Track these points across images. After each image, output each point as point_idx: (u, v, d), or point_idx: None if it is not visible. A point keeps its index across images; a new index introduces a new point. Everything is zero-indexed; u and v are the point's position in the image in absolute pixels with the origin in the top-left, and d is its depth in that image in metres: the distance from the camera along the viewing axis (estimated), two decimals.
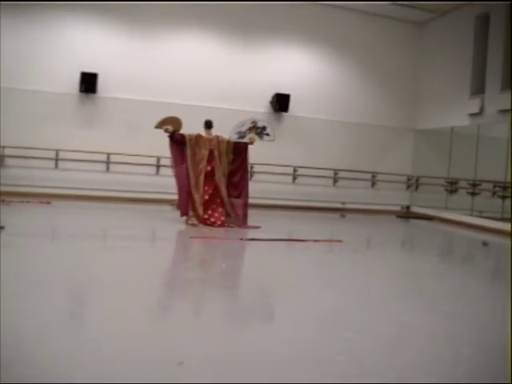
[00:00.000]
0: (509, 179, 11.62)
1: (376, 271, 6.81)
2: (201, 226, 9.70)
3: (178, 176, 10.11)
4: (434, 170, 14.56)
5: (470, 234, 11.99)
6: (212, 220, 9.91)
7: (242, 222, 10.13)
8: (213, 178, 10.09)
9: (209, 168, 10.08)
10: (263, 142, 10.64)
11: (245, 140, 10.37)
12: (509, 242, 9.85)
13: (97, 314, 4.10)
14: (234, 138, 10.32)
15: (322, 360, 3.41)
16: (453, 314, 4.81)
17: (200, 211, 9.89)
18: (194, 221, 9.83)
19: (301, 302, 4.86)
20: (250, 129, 10.43)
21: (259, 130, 10.54)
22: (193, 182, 10.01)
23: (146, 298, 4.68)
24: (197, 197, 9.95)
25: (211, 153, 10.11)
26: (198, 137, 10.13)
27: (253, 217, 12.06)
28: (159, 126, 10.14)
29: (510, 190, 11.69)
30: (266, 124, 10.69)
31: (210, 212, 10.00)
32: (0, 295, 4.19)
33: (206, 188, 10.04)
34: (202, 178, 10.01)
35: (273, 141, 10.72)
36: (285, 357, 3.42)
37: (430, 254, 9.09)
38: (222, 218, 9.97)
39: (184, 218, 9.97)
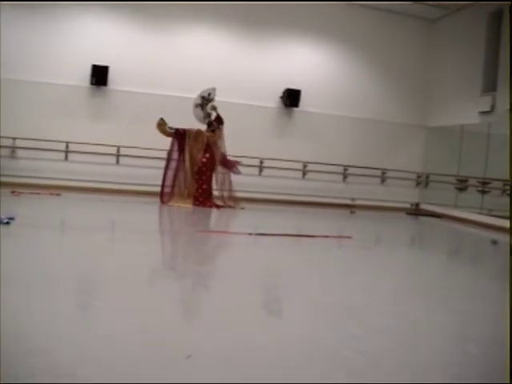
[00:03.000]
0: None
1: (385, 268, 6.80)
2: (188, 207, 11.31)
3: (169, 167, 11.73)
4: (444, 168, 14.50)
5: (480, 232, 11.94)
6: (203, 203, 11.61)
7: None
8: (208, 167, 11.79)
9: (204, 160, 11.74)
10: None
11: (211, 114, 12.08)
12: None
13: (103, 308, 4.11)
14: (205, 123, 12.10)
15: (330, 356, 3.40)
16: (461, 313, 4.80)
17: (190, 200, 11.63)
18: (178, 203, 11.43)
19: (309, 298, 4.86)
20: (202, 105, 12.16)
21: (206, 98, 12.17)
22: (188, 173, 11.69)
23: (154, 291, 4.69)
24: (189, 187, 11.67)
25: (208, 145, 11.79)
26: (198, 132, 11.85)
27: (261, 212, 12.10)
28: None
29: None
30: (203, 93, 12.19)
31: (201, 199, 11.64)
32: (8, 286, 4.22)
33: (204, 178, 11.76)
34: (196, 168, 11.70)
35: (214, 89, 12.20)
36: (292, 352, 3.42)
37: (439, 251, 9.07)
38: (216, 202, 11.79)
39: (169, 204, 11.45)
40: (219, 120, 12.02)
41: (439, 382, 3.15)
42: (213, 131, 11.97)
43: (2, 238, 6.12)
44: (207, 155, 11.79)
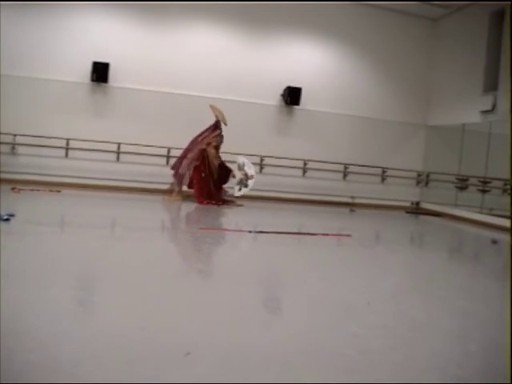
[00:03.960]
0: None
1: (385, 266, 6.80)
2: (176, 200, 11.75)
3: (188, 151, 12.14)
4: (445, 167, 14.50)
5: (480, 231, 11.94)
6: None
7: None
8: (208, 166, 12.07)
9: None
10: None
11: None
12: None
13: (103, 305, 4.11)
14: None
15: (329, 353, 3.40)
16: (461, 311, 4.80)
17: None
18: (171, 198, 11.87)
19: (308, 296, 4.86)
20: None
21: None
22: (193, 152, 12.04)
23: (154, 288, 4.69)
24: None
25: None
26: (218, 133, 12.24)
27: (261, 209, 12.10)
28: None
29: None
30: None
31: (208, 197, 11.90)
32: (8, 282, 4.22)
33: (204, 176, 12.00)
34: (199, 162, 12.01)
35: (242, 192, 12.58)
36: (291, 350, 3.42)
37: (439, 250, 9.06)
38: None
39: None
40: (227, 171, 12.38)
41: (439, 381, 3.15)
42: (216, 147, 12.20)
43: (1, 234, 6.12)
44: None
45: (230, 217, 10.73)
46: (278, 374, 3.02)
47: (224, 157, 12.47)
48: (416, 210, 14.95)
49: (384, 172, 14.96)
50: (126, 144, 12.76)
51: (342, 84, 14.69)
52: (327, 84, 14.51)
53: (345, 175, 14.69)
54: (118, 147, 12.86)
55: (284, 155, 13.79)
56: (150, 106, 12.98)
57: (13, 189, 10.74)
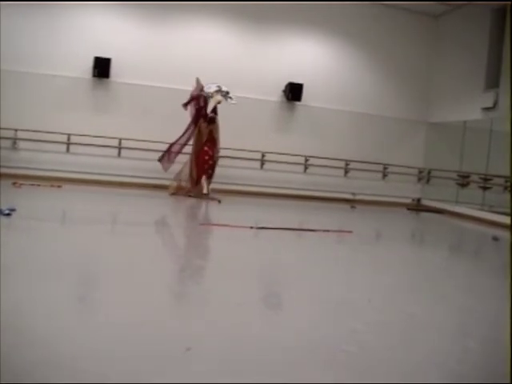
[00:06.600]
0: None
1: (385, 263, 6.80)
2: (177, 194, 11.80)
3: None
4: (446, 164, 14.47)
5: (481, 228, 11.92)
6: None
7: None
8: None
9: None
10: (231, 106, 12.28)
11: (211, 101, 12.08)
12: None
13: (104, 300, 4.11)
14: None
15: (329, 350, 3.40)
16: (461, 308, 4.81)
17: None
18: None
19: (309, 292, 4.87)
20: (216, 91, 12.12)
21: (224, 93, 12.20)
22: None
23: (155, 284, 4.69)
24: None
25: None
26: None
27: (263, 206, 12.10)
28: None
29: None
30: (228, 90, 12.25)
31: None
32: (9, 277, 4.22)
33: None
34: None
35: (236, 104, 12.28)
36: (292, 345, 3.42)
37: (440, 247, 9.06)
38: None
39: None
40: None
41: (438, 377, 3.15)
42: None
43: (2, 229, 6.12)
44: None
45: (231, 212, 10.73)
46: (278, 370, 3.02)
47: (224, 153, 12.52)
48: (417, 207, 14.95)
49: (385, 168, 14.95)
50: (128, 139, 12.76)
51: (344, 80, 14.67)
52: (329, 80, 14.48)
53: (346, 171, 14.68)
54: (120, 142, 12.85)
55: (285, 151, 13.77)
56: (151, 102, 12.97)
57: (14, 183, 10.74)
